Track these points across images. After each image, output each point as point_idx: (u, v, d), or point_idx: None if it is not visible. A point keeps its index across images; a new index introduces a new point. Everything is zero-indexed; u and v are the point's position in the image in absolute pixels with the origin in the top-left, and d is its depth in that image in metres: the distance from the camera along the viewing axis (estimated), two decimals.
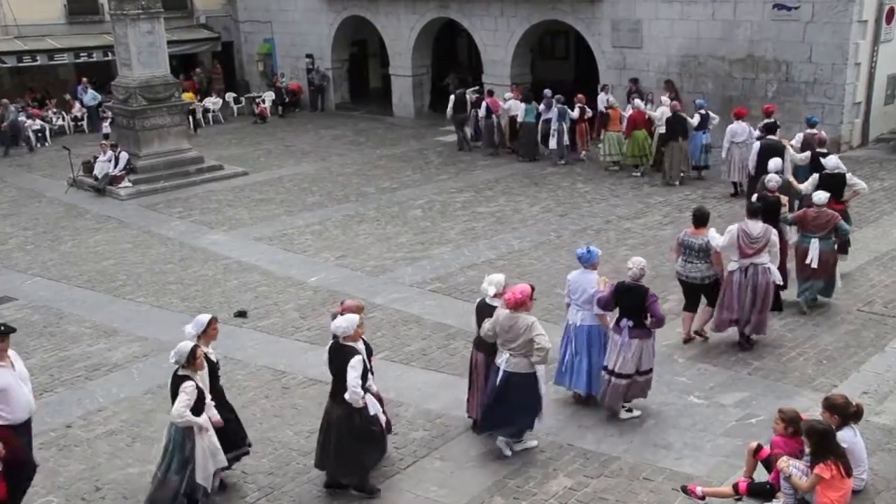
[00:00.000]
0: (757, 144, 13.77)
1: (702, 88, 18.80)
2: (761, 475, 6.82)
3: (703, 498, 6.87)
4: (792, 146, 13.67)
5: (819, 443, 6.25)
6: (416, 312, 11.22)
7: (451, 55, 28.76)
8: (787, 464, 6.39)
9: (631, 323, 7.98)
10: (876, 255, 12.20)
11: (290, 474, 7.70)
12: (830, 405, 6.61)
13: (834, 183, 10.97)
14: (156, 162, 19.03)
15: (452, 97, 20.96)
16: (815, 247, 10.10)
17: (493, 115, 19.99)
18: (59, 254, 14.67)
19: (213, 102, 27.06)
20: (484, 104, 19.96)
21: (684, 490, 6.98)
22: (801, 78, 17.41)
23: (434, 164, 19.80)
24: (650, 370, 8.22)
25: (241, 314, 11.36)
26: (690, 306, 9.76)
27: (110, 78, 21.53)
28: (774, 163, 11.59)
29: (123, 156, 18.76)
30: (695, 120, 16.28)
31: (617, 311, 8.16)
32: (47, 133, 24.74)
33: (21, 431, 6.81)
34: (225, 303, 11.93)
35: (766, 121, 14.55)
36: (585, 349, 8.34)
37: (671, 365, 9.25)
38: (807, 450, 6.43)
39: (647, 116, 17.18)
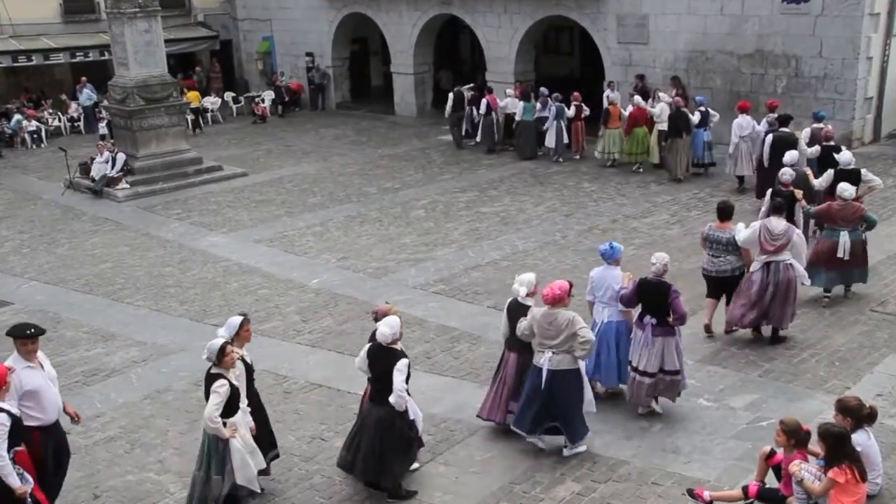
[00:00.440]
0: (769, 137, 13.68)
1: (709, 84, 18.67)
2: (773, 481, 6.71)
3: (710, 502, 6.79)
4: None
5: (834, 446, 6.14)
6: (420, 315, 11.09)
7: (451, 53, 28.59)
8: (798, 468, 6.29)
9: (654, 320, 8.00)
10: (889, 254, 12.06)
11: (292, 480, 7.63)
12: (844, 407, 6.52)
13: (849, 179, 10.96)
14: (154, 163, 18.88)
15: (451, 94, 20.82)
16: (844, 239, 10.20)
17: (493, 113, 19.91)
18: (56, 257, 14.54)
19: (211, 102, 26.95)
20: (484, 101, 19.85)
21: (690, 494, 6.90)
22: (812, 73, 17.24)
23: (437, 164, 19.66)
24: (677, 371, 8.12)
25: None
26: (715, 295, 9.79)
27: (107, 78, 21.37)
28: (790, 155, 11.64)
29: (121, 157, 18.61)
30: (695, 117, 16.18)
31: (640, 307, 8.18)
32: (43, 134, 24.64)
33: (51, 431, 6.88)
34: (225, 306, 11.79)
35: (775, 114, 14.51)
36: (614, 344, 8.36)
37: None
38: (821, 453, 6.31)
39: (647, 113, 17.10)
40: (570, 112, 18.45)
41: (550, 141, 18.61)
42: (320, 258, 13.62)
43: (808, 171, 11.97)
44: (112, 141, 19.79)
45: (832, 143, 13.03)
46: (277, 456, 7.58)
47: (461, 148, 20.74)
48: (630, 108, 17.36)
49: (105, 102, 21.30)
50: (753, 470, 6.92)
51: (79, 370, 10.11)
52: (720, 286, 9.68)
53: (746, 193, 15.00)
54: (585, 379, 7.72)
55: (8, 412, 6.21)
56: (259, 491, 7.01)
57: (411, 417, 7.19)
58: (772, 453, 6.74)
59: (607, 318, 8.37)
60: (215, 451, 6.72)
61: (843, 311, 10.33)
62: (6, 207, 18.03)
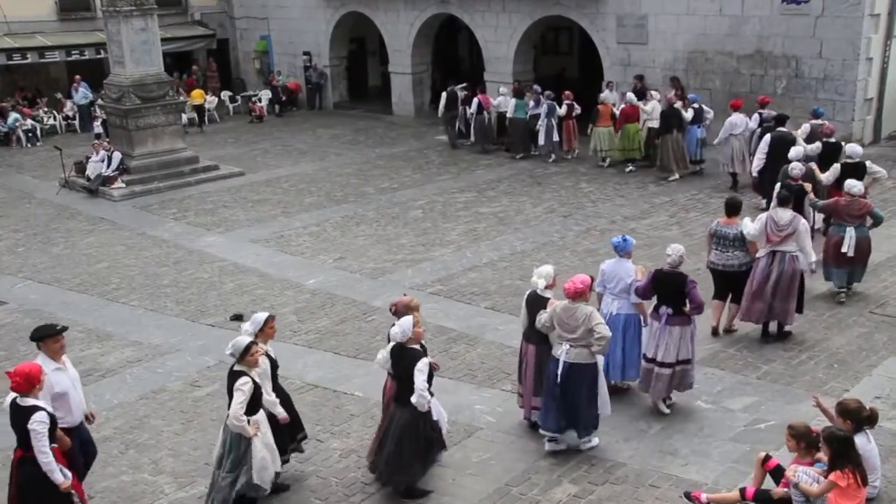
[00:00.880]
0: (768, 136, 13.68)
1: (709, 85, 18.65)
2: (770, 486, 6.66)
3: None
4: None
5: (839, 450, 6.13)
6: None
7: (444, 52, 28.51)
8: (793, 472, 6.28)
9: (670, 310, 8.02)
10: (888, 255, 12.01)
11: (288, 481, 7.53)
12: (844, 410, 6.49)
13: (855, 172, 11.01)
14: (149, 162, 18.79)
15: (444, 94, 20.76)
16: (850, 235, 10.23)
17: (485, 112, 19.88)
18: (51, 256, 14.46)
19: (208, 101, 26.85)
20: (475, 100, 19.82)
21: (688, 496, 6.87)
22: (812, 74, 17.22)
23: (435, 164, 19.61)
24: (688, 360, 8.16)
25: (238, 318, 11.13)
26: (721, 295, 9.80)
27: (102, 76, 21.27)
28: (796, 150, 11.67)
29: (116, 156, 18.52)
30: (688, 114, 16.19)
31: (655, 299, 8.20)
32: (38, 132, 24.52)
33: (76, 432, 6.87)
34: (221, 306, 11.74)
35: (766, 110, 14.62)
36: (620, 336, 8.35)
37: None
38: (824, 457, 6.28)
39: (640, 111, 17.14)
40: (562, 110, 18.42)
41: (542, 139, 18.60)
42: (317, 258, 13.56)
43: (814, 166, 12.00)
44: (108, 140, 19.73)
45: (832, 139, 13.07)
46: (306, 437, 7.69)
47: (456, 148, 20.68)
48: (622, 105, 17.37)
49: (101, 101, 21.22)
50: (751, 472, 6.88)
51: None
52: (726, 283, 9.68)
53: (740, 191, 14.94)
54: (602, 379, 7.70)
55: (46, 410, 6.21)
56: (268, 491, 7.03)
57: (434, 418, 7.15)
58: (767, 458, 6.70)
59: (616, 310, 8.39)
60: (235, 450, 6.71)
61: (842, 313, 10.30)
62: (0, 206, 17.92)
